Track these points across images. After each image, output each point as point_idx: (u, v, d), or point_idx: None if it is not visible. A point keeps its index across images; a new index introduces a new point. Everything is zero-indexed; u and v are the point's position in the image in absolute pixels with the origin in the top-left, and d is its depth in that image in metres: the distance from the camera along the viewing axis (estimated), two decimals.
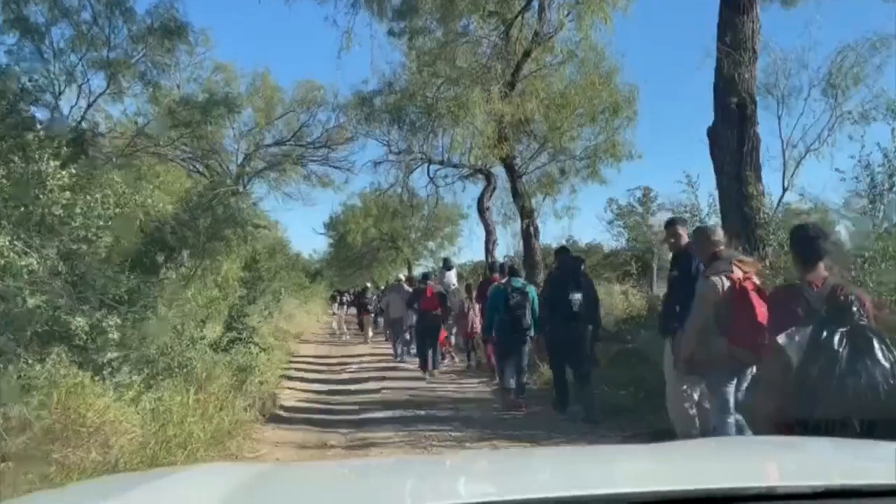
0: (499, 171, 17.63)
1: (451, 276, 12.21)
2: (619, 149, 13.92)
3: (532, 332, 7.28)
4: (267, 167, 20.73)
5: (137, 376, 5.76)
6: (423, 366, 10.24)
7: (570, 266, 6.83)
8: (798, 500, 1.08)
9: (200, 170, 19.24)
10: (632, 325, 10.13)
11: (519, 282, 7.54)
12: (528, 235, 14.29)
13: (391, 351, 13.79)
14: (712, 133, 8.15)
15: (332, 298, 36.41)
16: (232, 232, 11.45)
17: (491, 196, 18.41)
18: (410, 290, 12.18)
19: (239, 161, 20.23)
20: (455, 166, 19.19)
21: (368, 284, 23.06)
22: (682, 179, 8.54)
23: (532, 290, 7.44)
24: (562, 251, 7.46)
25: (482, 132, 12.49)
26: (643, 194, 30.46)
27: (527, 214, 14.21)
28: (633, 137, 14.07)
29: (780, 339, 3.04)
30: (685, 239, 5.02)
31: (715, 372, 4.10)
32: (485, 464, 1.80)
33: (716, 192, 8.21)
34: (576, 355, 6.55)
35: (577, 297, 6.47)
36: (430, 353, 10.29)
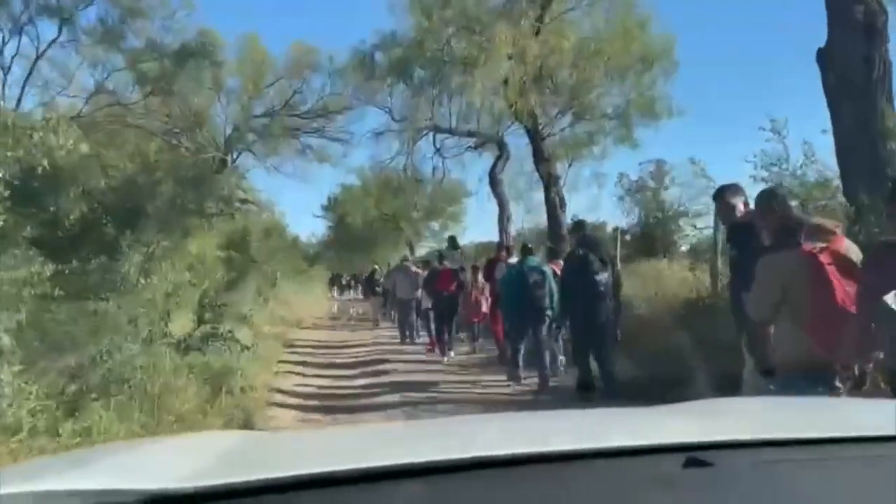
0: (513, 140, 15.68)
1: (457, 256, 11.60)
2: (657, 104, 11.81)
3: (550, 313, 6.92)
4: (257, 140, 18.58)
5: (49, 400, 3.76)
6: (441, 349, 9.76)
7: (592, 243, 6.32)
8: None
9: (186, 145, 17.11)
10: (699, 314, 8.02)
11: (534, 261, 7.18)
12: (553, 206, 12.29)
13: (396, 334, 12.96)
14: (826, 54, 6.08)
15: (332, 282, 35.92)
16: (212, 205, 9.42)
17: (504, 167, 16.47)
18: (417, 270, 11.77)
19: (227, 133, 18.08)
20: (465, 134, 17.18)
21: (377, 266, 21.55)
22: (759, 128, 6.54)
23: (549, 271, 7.06)
24: (580, 227, 6.94)
25: (503, 81, 10.37)
26: (656, 168, 28.10)
27: (552, 182, 12.14)
28: (672, 92, 11.92)
29: (889, 299, 2.62)
30: (741, 209, 4.18)
31: (793, 376, 3.15)
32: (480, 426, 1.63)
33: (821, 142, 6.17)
34: (600, 338, 6.14)
35: (604, 276, 6.00)
36: (445, 335, 9.83)
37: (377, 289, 17.97)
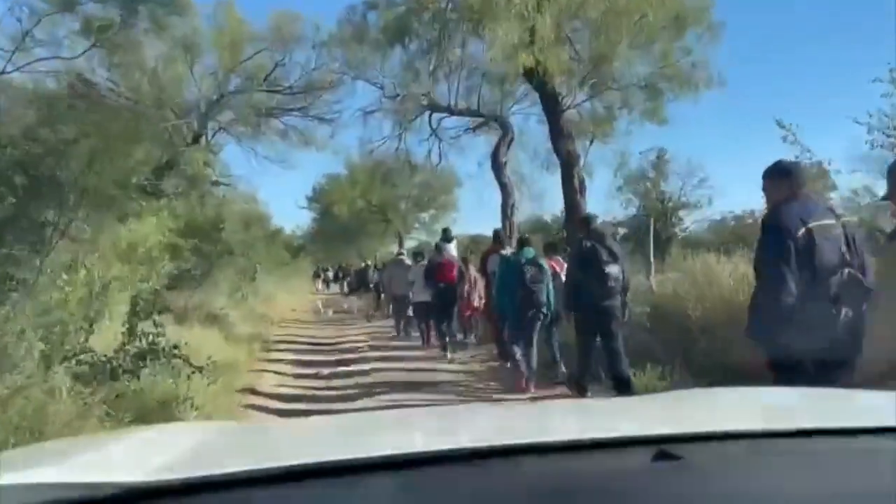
0: (516, 121, 13.69)
1: (451, 249, 10.74)
2: (697, 74, 9.99)
3: (546, 310, 6.57)
4: (235, 120, 16.54)
5: None
6: (441, 344, 9.40)
7: (601, 236, 5.86)
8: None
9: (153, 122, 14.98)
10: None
11: (531, 253, 6.77)
12: (572, 191, 10.44)
13: (388, 330, 12.70)
14: None
15: (316, 275, 34.92)
16: (175, 184, 7.52)
17: (508, 149, 14.57)
18: (410, 264, 11.54)
19: (200, 111, 16.01)
20: (467, 113, 15.29)
21: (369, 262, 20.69)
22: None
23: (545, 264, 6.71)
24: (588, 220, 6.31)
25: (516, 44, 8.51)
26: (657, 157, 26.47)
27: (572, 162, 10.31)
28: (715, 58, 10.10)
29: None
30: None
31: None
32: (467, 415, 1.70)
33: None
34: (609, 334, 5.75)
35: (615, 270, 5.64)
36: (445, 328, 9.41)
37: (371, 285, 17.18)
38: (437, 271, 9.60)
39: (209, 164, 11.03)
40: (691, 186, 27.84)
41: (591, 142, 12.36)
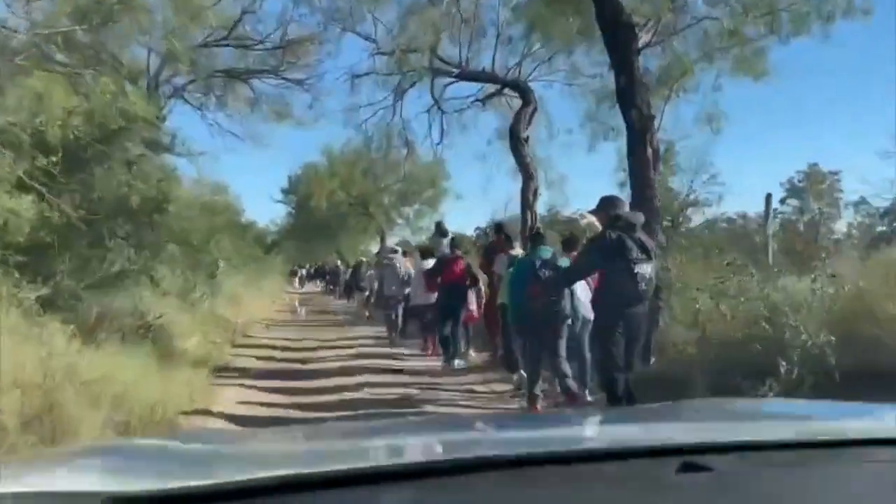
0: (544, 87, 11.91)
1: (445, 246, 9.74)
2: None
3: (570, 321, 5.79)
4: (194, 83, 13.42)
5: None
6: (446, 353, 8.49)
7: (630, 225, 4.74)
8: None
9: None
10: None
11: (547, 252, 5.87)
12: (643, 162, 7.67)
13: (374, 337, 11.84)
14: None
15: (293, 274, 34.06)
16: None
17: (530, 123, 11.87)
18: (402, 265, 10.97)
19: (151, 73, 12.89)
20: (480, 78, 12.45)
21: (363, 259, 19.37)
22: None
23: (566, 264, 5.65)
24: (616, 202, 5.04)
25: None
26: (665, 149, 23.98)
27: (646, 127, 7.54)
28: None
29: None
30: None
31: None
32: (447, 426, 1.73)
33: None
34: (635, 349, 4.87)
35: (647, 269, 4.67)
36: (450, 336, 8.53)
37: (362, 284, 16.10)
38: (445, 269, 8.69)
39: (148, 119, 7.86)
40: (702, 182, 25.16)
41: (669, 98, 9.48)
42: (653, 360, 5.72)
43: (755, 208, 23.89)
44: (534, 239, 6.28)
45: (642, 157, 7.65)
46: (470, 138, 19.13)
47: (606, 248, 4.71)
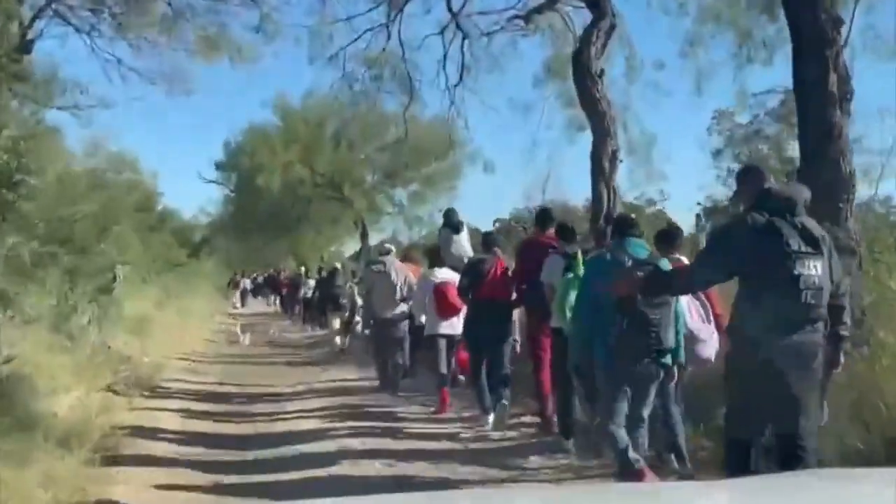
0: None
1: (464, 243, 10.54)
2: None
3: (680, 356, 5.90)
4: None
5: None
6: (482, 406, 8.47)
7: (791, 204, 4.69)
8: None
9: None
10: None
11: (642, 249, 5.84)
12: (826, 97, 6.81)
13: (359, 385, 11.85)
14: None
15: (234, 285, 35.24)
16: None
17: (605, 46, 11.11)
18: (400, 267, 10.97)
19: None
20: None
21: (338, 265, 19.48)
22: None
23: (667, 267, 5.87)
24: (760, 173, 5.03)
25: None
26: (784, 99, 24.12)
27: (824, 34, 6.89)
28: None
29: None
30: None
31: None
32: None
33: None
34: (793, 404, 4.77)
35: (815, 271, 4.58)
36: (485, 379, 8.49)
37: (341, 300, 15.99)
38: (483, 277, 8.55)
39: None
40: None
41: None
42: (825, 419, 5.35)
43: None
44: (620, 226, 6.13)
45: (821, 88, 6.77)
46: (503, 78, 17.86)
47: (747, 239, 4.62)
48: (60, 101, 12.74)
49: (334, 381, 11.80)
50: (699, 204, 30.54)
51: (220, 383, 11.64)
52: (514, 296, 8.54)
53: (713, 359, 6.11)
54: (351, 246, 34.84)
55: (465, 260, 10.71)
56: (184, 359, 14.53)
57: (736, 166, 26.77)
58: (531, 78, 14.23)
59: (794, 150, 24.47)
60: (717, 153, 30.19)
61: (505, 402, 8.33)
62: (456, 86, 13.07)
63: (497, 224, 26.92)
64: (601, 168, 10.62)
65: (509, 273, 8.61)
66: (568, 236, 7.67)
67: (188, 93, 14.84)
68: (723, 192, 26.65)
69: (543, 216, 8.60)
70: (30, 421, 7.20)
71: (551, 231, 7.98)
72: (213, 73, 32.87)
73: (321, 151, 28.07)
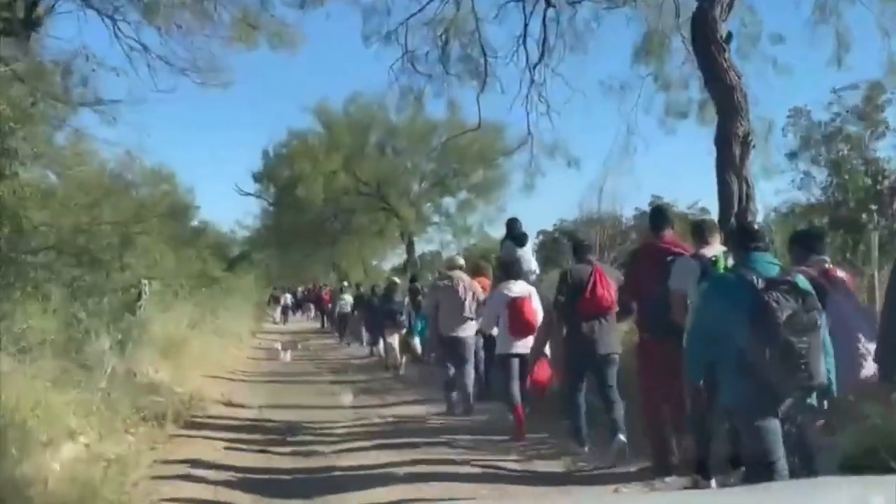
0: None
1: (529, 256, 10.46)
2: None
3: (824, 393, 5.34)
4: None
5: None
6: (578, 437, 8.09)
7: None
8: None
9: None
10: None
11: (772, 265, 5.32)
12: None
13: (422, 411, 11.34)
14: None
15: (274, 301, 34.85)
16: None
17: (731, 6, 9.26)
18: (468, 283, 10.75)
19: None
20: None
21: (396, 279, 18.81)
22: None
23: (809, 288, 5.23)
24: None
25: None
26: (868, 95, 21.74)
27: None
28: None
29: None
30: None
31: None
32: None
33: None
34: None
35: None
36: (583, 406, 8.18)
37: (400, 318, 15.79)
38: (582, 293, 8.17)
39: None
40: None
41: None
42: None
43: None
44: (742, 238, 5.58)
45: None
46: (595, 58, 16.06)
47: None
48: (79, 94, 11.36)
49: (398, 411, 10.99)
50: (775, 210, 29.13)
51: (265, 418, 10.30)
52: (617, 309, 8.07)
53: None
54: (391, 260, 34.32)
55: (532, 276, 10.56)
56: (223, 379, 14.12)
57: (814, 169, 25.06)
58: (630, 52, 12.43)
59: (878, 150, 22.76)
60: (791, 155, 28.57)
61: (622, 436, 7.60)
62: (536, 65, 11.61)
63: (540, 237, 26.02)
64: (730, 155, 8.65)
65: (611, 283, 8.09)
66: (702, 235, 6.83)
67: (224, 85, 13.55)
68: (797, 197, 25.22)
69: (658, 217, 7.50)
70: (13, 487, 5.59)
71: (668, 234, 7.17)
72: (252, 63, 32.61)
73: (365, 159, 27.56)
